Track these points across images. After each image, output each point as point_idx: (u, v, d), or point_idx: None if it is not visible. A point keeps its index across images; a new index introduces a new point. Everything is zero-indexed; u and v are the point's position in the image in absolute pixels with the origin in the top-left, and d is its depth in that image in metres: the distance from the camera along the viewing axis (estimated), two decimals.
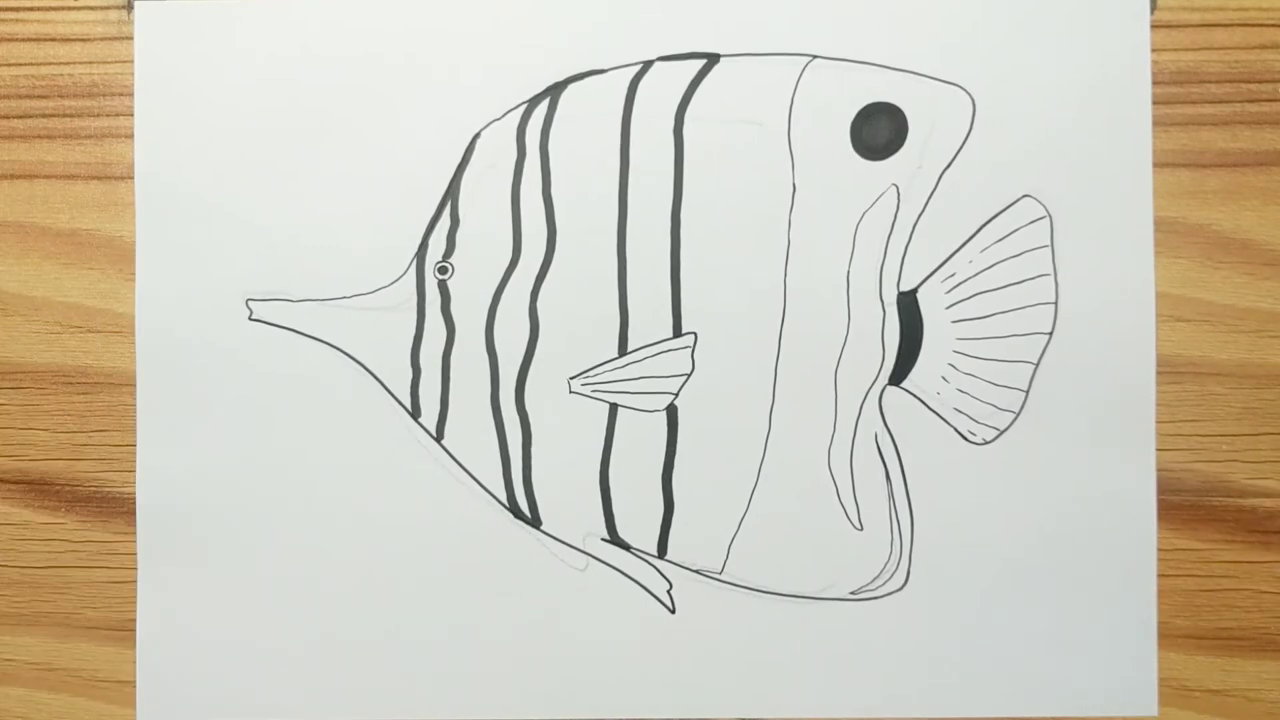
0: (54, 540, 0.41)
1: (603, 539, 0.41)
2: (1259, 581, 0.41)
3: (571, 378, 0.41)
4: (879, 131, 0.40)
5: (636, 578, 0.41)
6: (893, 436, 0.40)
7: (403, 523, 0.41)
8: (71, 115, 0.41)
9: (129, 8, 0.40)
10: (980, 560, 0.40)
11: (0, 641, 0.41)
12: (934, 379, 0.40)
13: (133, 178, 0.40)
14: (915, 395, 0.40)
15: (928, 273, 0.40)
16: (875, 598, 0.40)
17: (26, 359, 0.41)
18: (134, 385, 0.40)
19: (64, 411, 0.41)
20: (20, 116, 0.41)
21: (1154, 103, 0.40)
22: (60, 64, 0.41)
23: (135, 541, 0.40)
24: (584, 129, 0.40)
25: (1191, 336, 0.41)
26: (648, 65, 0.40)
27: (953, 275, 0.40)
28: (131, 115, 0.40)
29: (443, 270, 0.40)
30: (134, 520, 0.40)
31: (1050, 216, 0.40)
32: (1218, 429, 0.41)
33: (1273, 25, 0.41)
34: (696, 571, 0.41)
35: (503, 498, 0.41)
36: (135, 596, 0.40)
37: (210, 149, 0.40)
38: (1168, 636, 0.40)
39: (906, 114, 0.40)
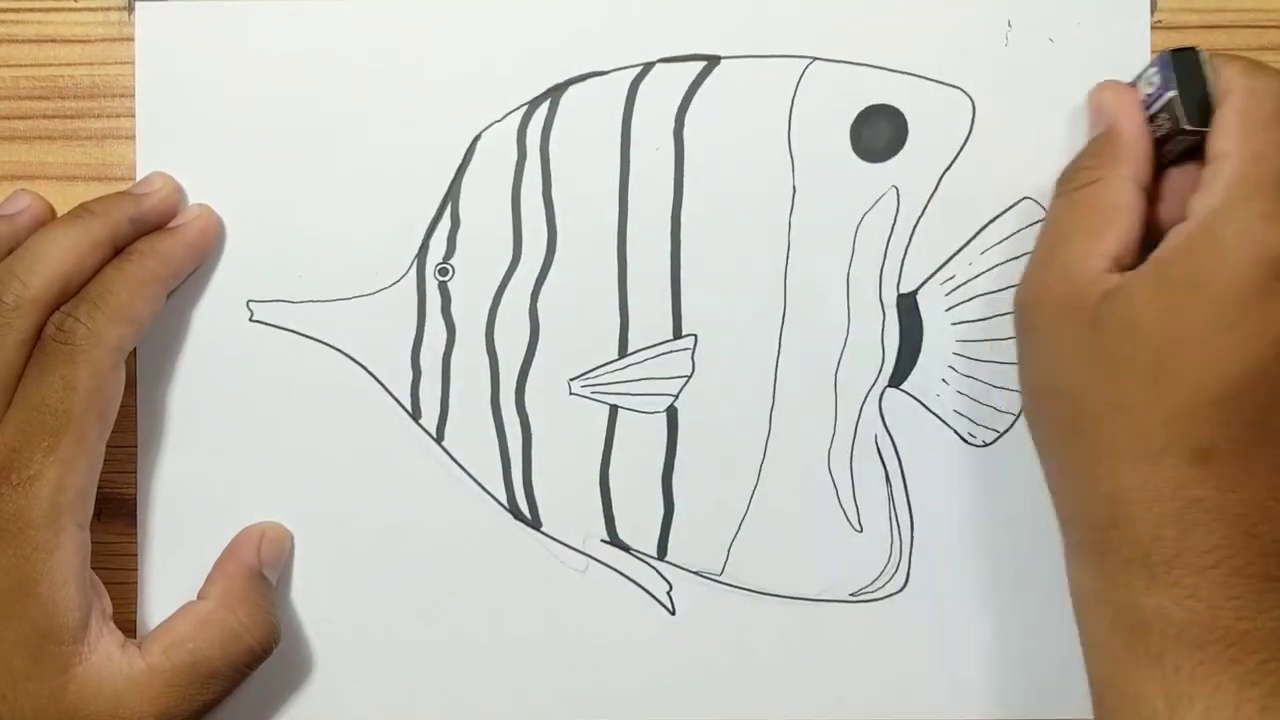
0: None
1: (603, 540, 0.41)
2: None
3: (572, 379, 0.41)
4: (879, 134, 0.40)
5: (636, 579, 0.41)
6: (893, 438, 0.40)
7: (402, 524, 0.41)
8: (72, 116, 0.41)
9: (130, 9, 0.40)
10: (980, 561, 0.40)
11: None
12: (934, 381, 0.40)
13: (134, 179, 0.40)
14: (915, 397, 0.40)
15: (928, 275, 0.40)
16: (875, 599, 0.40)
17: None
18: (134, 385, 0.40)
19: None
20: (20, 118, 0.41)
21: None
22: (61, 65, 0.41)
23: (135, 541, 0.41)
24: (585, 131, 0.40)
25: None
26: (648, 67, 0.40)
27: (953, 277, 0.40)
28: (132, 116, 0.40)
29: (443, 272, 0.40)
30: (134, 520, 0.41)
31: None
32: None
33: (1273, 26, 0.41)
34: (696, 573, 0.41)
35: (503, 499, 0.41)
36: (135, 596, 0.41)
37: (211, 151, 0.40)
38: None
39: (906, 116, 0.40)
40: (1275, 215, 0.30)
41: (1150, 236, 0.33)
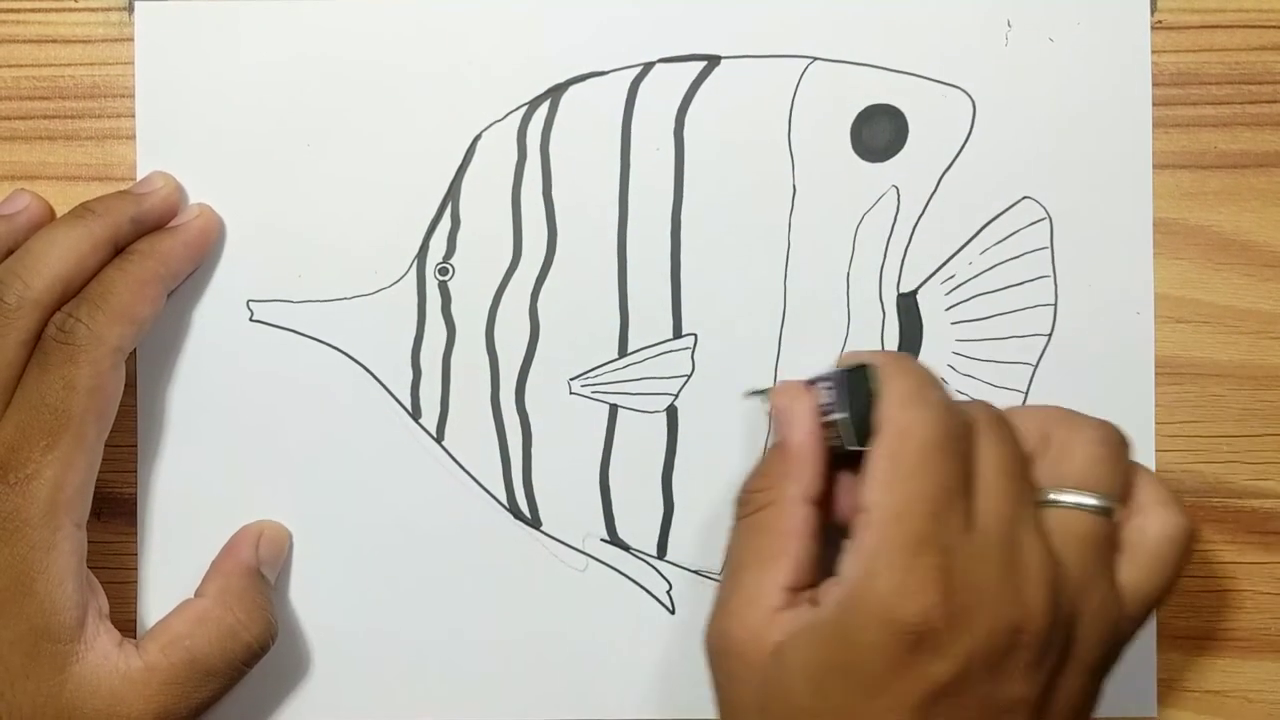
0: None
1: (602, 539, 0.41)
2: (1259, 582, 0.41)
3: (572, 379, 0.41)
4: (879, 133, 0.40)
5: (636, 578, 0.41)
6: None
7: (402, 523, 0.41)
8: (72, 117, 0.41)
9: (129, 9, 0.40)
10: None
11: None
12: None
13: (134, 179, 0.40)
14: None
15: (928, 274, 0.40)
16: None
17: None
18: (134, 386, 0.40)
19: None
20: (21, 118, 0.41)
21: (1154, 104, 0.40)
22: (61, 65, 0.41)
23: (135, 541, 0.41)
24: (585, 130, 0.40)
25: (1191, 338, 0.41)
26: (648, 67, 0.40)
27: (952, 277, 0.40)
28: (132, 117, 0.40)
29: (443, 271, 0.40)
30: (134, 520, 0.41)
31: (1050, 218, 0.40)
32: (1218, 430, 0.41)
33: (1273, 26, 0.41)
34: (696, 572, 0.41)
35: (503, 498, 0.41)
36: (134, 596, 0.41)
37: (211, 150, 0.40)
38: (1167, 637, 0.41)
39: (906, 116, 0.40)
40: (909, 586, 0.30)
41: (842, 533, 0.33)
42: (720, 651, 0.33)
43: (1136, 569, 0.32)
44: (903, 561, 0.30)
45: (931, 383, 0.33)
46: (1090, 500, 0.32)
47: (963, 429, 0.32)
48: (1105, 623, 0.31)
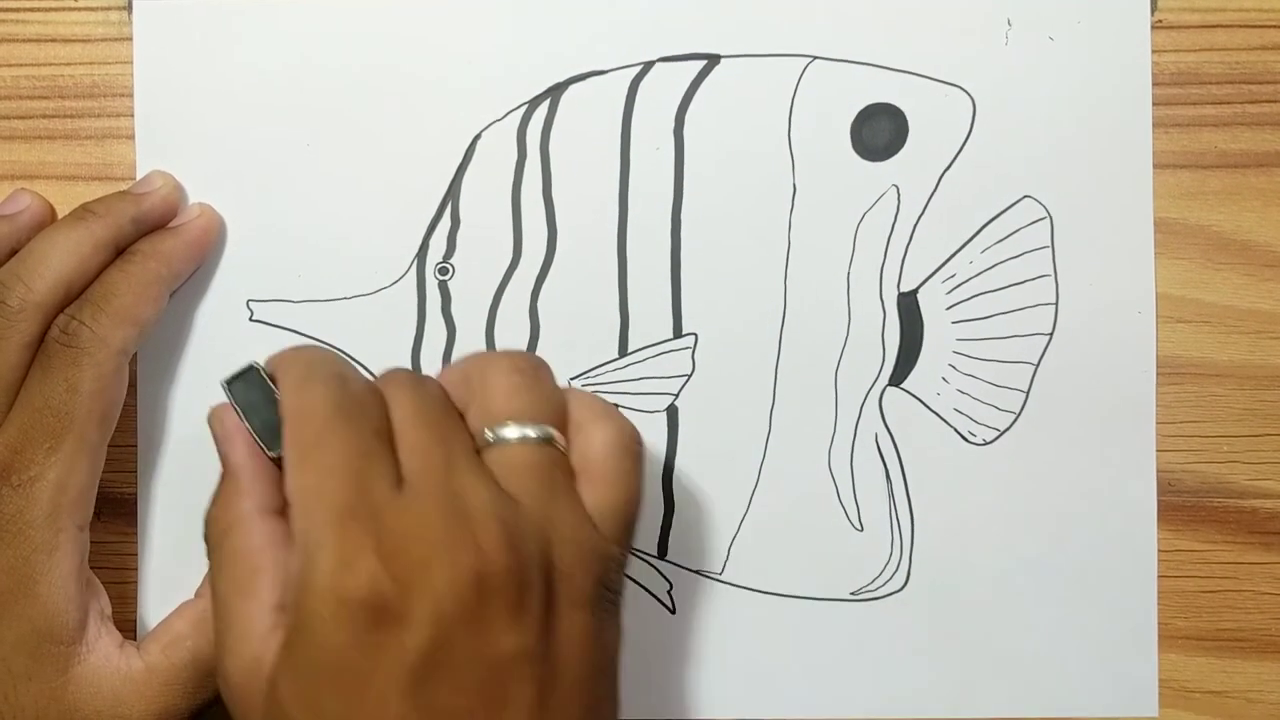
0: None
1: None
2: (1259, 583, 0.41)
3: (572, 378, 0.41)
4: (879, 132, 0.40)
5: (636, 578, 0.41)
6: (893, 437, 0.40)
7: None
8: (72, 116, 0.41)
9: (129, 9, 0.40)
10: (980, 561, 0.40)
11: None
12: (934, 380, 0.40)
13: (134, 179, 0.40)
14: (915, 396, 0.40)
15: (928, 273, 0.40)
16: (875, 598, 0.40)
17: None
18: (135, 385, 0.40)
19: None
20: (21, 117, 0.41)
21: (1154, 104, 0.40)
22: (60, 65, 0.41)
23: (135, 541, 0.41)
24: (584, 129, 0.40)
25: (1192, 337, 0.41)
26: (648, 66, 0.40)
27: (953, 276, 0.40)
28: (132, 116, 0.40)
29: (443, 271, 0.40)
30: (134, 520, 0.41)
31: (1051, 217, 0.40)
32: (1218, 430, 0.41)
33: (1273, 26, 0.41)
34: (696, 572, 0.41)
35: None
36: (135, 596, 0.41)
37: (211, 150, 0.40)
38: (1168, 637, 0.40)
39: (907, 115, 0.40)
40: (345, 557, 0.28)
41: None
42: (228, 698, 0.31)
43: (596, 487, 0.31)
44: (332, 535, 0.28)
45: (323, 360, 0.32)
46: (523, 431, 0.31)
47: (366, 395, 0.31)
48: (583, 549, 0.30)
